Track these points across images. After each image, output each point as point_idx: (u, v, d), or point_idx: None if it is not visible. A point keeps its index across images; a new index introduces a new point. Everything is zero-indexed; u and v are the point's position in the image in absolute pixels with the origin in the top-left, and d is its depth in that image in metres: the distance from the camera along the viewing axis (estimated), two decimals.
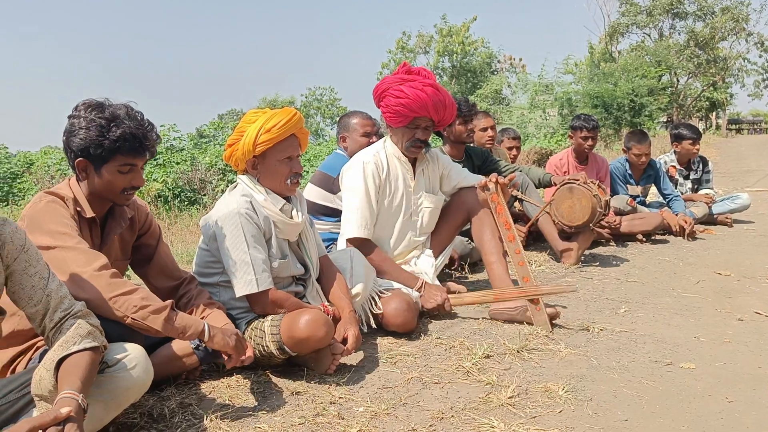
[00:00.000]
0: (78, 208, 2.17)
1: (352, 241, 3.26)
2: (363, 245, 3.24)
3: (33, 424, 1.43)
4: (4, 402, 1.74)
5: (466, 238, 4.35)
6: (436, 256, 3.54)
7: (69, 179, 2.25)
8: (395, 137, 3.41)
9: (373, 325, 3.00)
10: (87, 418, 1.58)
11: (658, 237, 5.61)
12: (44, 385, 1.64)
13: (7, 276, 1.75)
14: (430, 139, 3.52)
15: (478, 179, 3.52)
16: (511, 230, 3.18)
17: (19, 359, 2.15)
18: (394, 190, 3.39)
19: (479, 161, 4.66)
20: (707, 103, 38.10)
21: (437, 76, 39.57)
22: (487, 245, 3.35)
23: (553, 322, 3.06)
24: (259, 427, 2.07)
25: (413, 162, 3.47)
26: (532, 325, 3.05)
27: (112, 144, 2.09)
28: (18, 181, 13.91)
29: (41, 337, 1.94)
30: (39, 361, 1.82)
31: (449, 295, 3.25)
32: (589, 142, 5.43)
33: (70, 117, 2.15)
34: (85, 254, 2.02)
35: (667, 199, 5.97)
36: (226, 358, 2.21)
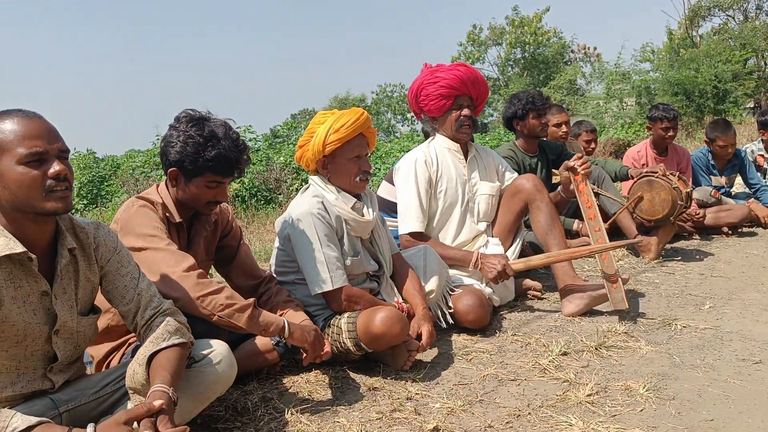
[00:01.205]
0: (167, 213, 2.28)
1: (408, 235, 3.31)
2: (418, 237, 3.30)
3: (129, 416, 1.53)
4: (103, 394, 1.86)
5: None
6: (504, 247, 3.51)
7: (158, 185, 2.37)
8: (443, 127, 3.46)
9: (450, 321, 3.01)
10: (177, 410, 1.67)
11: (745, 230, 5.34)
12: (137, 379, 1.75)
13: (102, 276, 1.87)
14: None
15: None
16: (593, 208, 3.19)
17: (113, 354, 2.30)
18: (447, 180, 3.42)
19: (553, 155, 4.58)
20: None
21: (509, 68, 39.01)
22: (548, 236, 3.34)
23: (632, 317, 2.99)
24: (338, 422, 2.13)
25: (465, 152, 3.51)
26: (608, 309, 2.99)
27: (205, 162, 2.20)
28: (105, 184, 14.54)
29: (133, 334, 2.06)
30: (132, 356, 1.93)
31: (510, 262, 3.19)
32: (670, 133, 5.16)
33: (171, 127, 2.26)
34: (174, 255, 2.13)
35: (754, 190, 5.67)
36: (304, 354, 2.28)
